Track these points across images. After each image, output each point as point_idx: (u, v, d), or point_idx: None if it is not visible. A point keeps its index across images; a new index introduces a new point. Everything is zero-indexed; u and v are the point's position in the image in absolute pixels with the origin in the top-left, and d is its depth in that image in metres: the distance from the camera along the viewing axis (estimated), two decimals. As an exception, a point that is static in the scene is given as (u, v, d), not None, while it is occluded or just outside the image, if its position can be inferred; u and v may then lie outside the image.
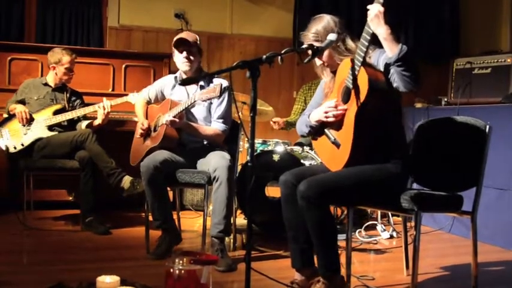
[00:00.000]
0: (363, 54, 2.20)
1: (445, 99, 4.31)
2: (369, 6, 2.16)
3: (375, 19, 2.13)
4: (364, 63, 2.23)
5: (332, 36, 2.30)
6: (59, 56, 3.90)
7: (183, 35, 3.26)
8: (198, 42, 3.27)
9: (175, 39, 3.24)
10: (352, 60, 2.27)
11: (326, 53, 2.43)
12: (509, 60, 3.97)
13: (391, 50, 2.14)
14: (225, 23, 5.50)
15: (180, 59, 3.24)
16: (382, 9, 2.12)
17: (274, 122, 4.41)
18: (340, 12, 5.14)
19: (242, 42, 5.55)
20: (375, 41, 2.21)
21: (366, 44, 2.19)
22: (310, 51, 2.26)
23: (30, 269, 2.85)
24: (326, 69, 2.54)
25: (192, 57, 3.21)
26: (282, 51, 2.11)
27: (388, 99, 2.31)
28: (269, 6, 5.59)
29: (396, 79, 2.17)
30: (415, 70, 2.13)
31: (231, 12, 5.50)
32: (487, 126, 2.48)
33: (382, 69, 2.29)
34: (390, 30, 2.13)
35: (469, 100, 4.08)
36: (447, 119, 2.67)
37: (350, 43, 2.43)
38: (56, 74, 3.94)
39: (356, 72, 2.24)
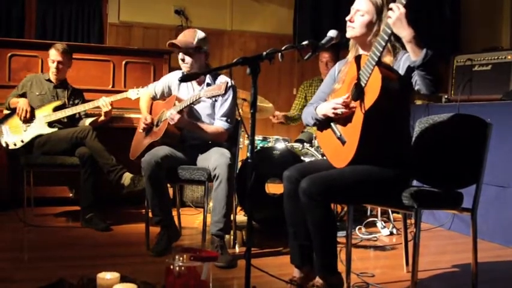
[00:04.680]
0: (378, 54, 2.14)
1: (446, 96, 4.30)
2: (391, 5, 2.09)
3: (397, 22, 2.07)
4: (379, 63, 2.17)
5: (332, 33, 2.29)
6: (50, 50, 3.91)
7: (180, 37, 3.20)
8: (195, 41, 3.15)
9: (167, 44, 3.20)
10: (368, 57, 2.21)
11: (367, 17, 2.35)
12: (509, 57, 3.95)
13: (414, 54, 2.10)
14: (225, 19, 5.49)
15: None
16: (404, 10, 2.06)
17: (274, 116, 4.42)
18: (341, 8, 5.12)
19: (242, 39, 5.55)
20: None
21: (383, 43, 2.14)
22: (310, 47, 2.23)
23: (31, 266, 2.86)
24: (356, 45, 2.46)
25: (186, 59, 3.16)
26: (283, 48, 2.10)
27: (399, 100, 2.28)
28: (269, 3, 5.58)
29: (418, 82, 2.16)
30: (437, 74, 2.11)
31: (231, 8, 5.49)
32: (488, 123, 2.48)
33: (401, 70, 2.26)
34: (414, 33, 2.08)
35: (470, 97, 4.07)
36: (447, 115, 2.66)
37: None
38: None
39: (370, 71, 2.18)
